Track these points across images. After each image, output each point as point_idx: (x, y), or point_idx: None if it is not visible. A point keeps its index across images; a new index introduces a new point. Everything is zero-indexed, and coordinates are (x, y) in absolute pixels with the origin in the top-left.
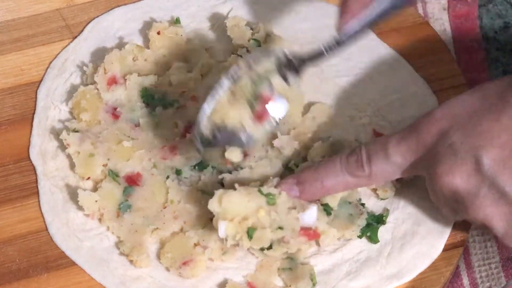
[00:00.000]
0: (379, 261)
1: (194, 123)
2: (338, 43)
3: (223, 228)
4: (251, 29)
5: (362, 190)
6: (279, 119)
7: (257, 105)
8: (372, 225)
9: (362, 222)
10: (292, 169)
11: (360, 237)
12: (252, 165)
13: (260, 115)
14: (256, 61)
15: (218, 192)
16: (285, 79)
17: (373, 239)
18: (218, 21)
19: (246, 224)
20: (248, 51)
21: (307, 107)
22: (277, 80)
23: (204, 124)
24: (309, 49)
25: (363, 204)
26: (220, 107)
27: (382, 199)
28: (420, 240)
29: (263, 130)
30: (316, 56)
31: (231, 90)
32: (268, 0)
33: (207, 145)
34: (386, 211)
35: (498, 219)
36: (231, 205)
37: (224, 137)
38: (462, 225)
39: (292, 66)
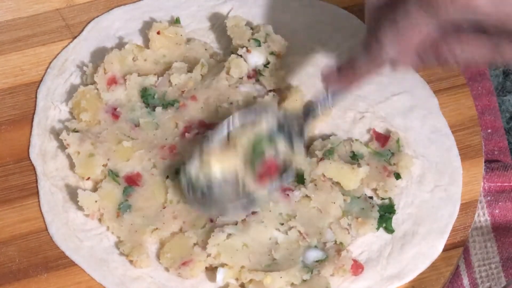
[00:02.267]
0: (379, 262)
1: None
2: (329, 101)
3: (221, 276)
4: (251, 28)
5: (363, 190)
6: (284, 184)
7: (258, 166)
8: (385, 216)
9: (376, 214)
10: None
11: (377, 229)
12: None
13: (261, 176)
14: (255, 119)
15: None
16: (289, 140)
17: (389, 229)
18: (218, 21)
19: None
20: (248, 50)
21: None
22: (281, 144)
23: (195, 174)
24: (301, 109)
25: (371, 198)
26: (215, 155)
27: (382, 198)
28: (420, 241)
29: (264, 191)
30: (311, 117)
31: (225, 144)
32: (268, 0)
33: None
34: (391, 200)
35: None
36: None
37: (218, 191)
38: (462, 225)
39: (293, 128)
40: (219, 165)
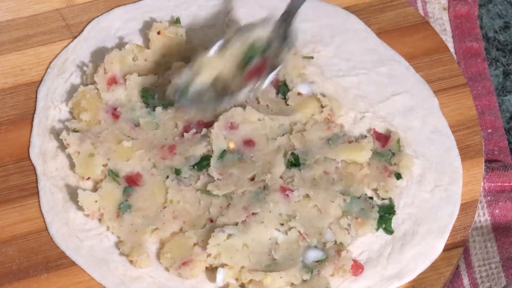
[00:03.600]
0: (379, 262)
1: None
2: None
3: (221, 277)
4: None
5: (364, 190)
6: (266, 84)
7: (246, 67)
8: (385, 216)
9: (375, 215)
10: (294, 164)
11: (377, 229)
12: (255, 156)
13: (249, 75)
14: (250, 29)
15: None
16: (281, 42)
17: (389, 230)
18: (218, 21)
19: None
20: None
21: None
22: (272, 49)
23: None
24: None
25: (371, 198)
26: (207, 62)
27: (383, 198)
28: (420, 240)
29: (247, 89)
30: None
31: (222, 49)
32: (268, 0)
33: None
34: (391, 200)
35: None
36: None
37: (205, 91)
38: (462, 225)
39: (284, 30)
40: (210, 70)
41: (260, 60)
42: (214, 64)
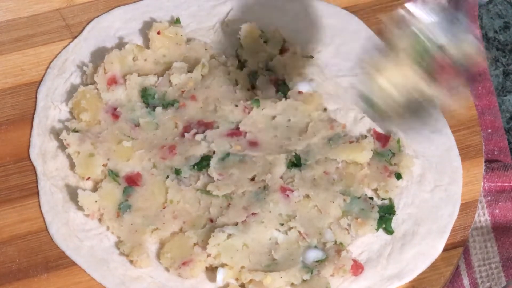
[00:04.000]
0: (379, 262)
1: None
2: None
3: (221, 277)
4: (262, 32)
5: (364, 190)
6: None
7: (428, 66)
8: (385, 217)
9: (375, 215)
10: (295, 164)
11: (377, 229)
12: (258, 155)
13: (438, 75)
14: (411, 22)
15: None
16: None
17: (389, 230)
18: (218, 21)
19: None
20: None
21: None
22: (444, 38)
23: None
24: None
25: (371, 198)
26: (383, 68)
27: (383, 199)
28: (420, 240)
29: (441, 92)
30: None
31: (386, 54)
32: (268, 0)
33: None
34: (391, 200)
35: None
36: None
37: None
38: (462, 225)
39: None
40: (390, 75)
41: (439, 55)
42: (389, 68)
